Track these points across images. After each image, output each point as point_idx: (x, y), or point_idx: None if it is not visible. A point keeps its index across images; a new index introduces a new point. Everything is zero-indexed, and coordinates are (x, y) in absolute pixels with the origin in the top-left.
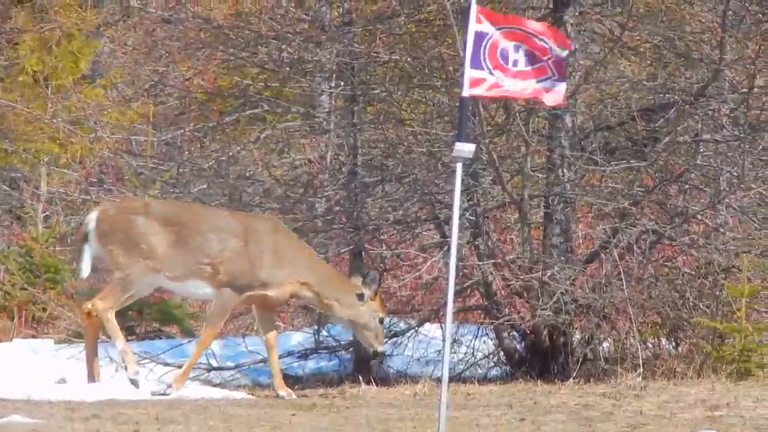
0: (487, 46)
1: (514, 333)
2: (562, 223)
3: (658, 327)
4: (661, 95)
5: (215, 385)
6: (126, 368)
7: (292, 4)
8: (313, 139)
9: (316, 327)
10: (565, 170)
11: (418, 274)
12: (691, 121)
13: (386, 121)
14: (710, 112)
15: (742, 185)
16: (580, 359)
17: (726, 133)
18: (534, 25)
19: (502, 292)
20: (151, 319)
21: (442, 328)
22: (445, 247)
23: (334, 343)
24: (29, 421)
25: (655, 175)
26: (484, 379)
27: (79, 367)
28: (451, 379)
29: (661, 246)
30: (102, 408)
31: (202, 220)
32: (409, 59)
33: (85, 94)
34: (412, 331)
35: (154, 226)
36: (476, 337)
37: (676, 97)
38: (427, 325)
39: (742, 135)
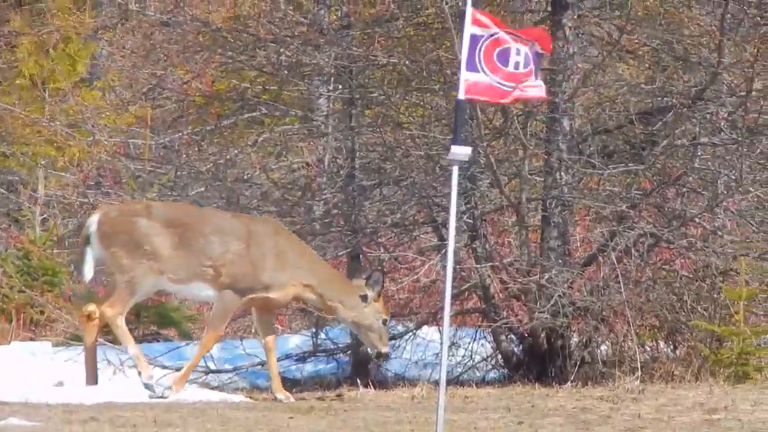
0: (483, 49)
1: (512, 336)
2: (559, 226)
3: (656, 330)
4: (659, 98)
5: (213, 388)
6: (140, 373)
7: (291, 8)
8: (311, 142)
9: (314, 330)
10: (562, 173)
11: (415, 277)
12: (689, 124)
13: (384, 125)
14: (708, 116)
15: (740, 188)
16: (578, 362)
17: (724, 137)
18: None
19: (500, 295)
20: (149, 322)
21: (439, 331)
22: (443, 250)
23: (332, 346)
24: (27, 423)
25: (653, 178)
26: (482, 382)
27: (77, 370)
28: (448, 382)
29: (659, 249)
30: (100, 411)
31: (204, 222)
32: (407, 62)
33: (82, 96)
34: (410, 334)
35: (157, 227)
36: (474, 340)
37: (674, 100)
38: (424, 328)
39: (740, 138)
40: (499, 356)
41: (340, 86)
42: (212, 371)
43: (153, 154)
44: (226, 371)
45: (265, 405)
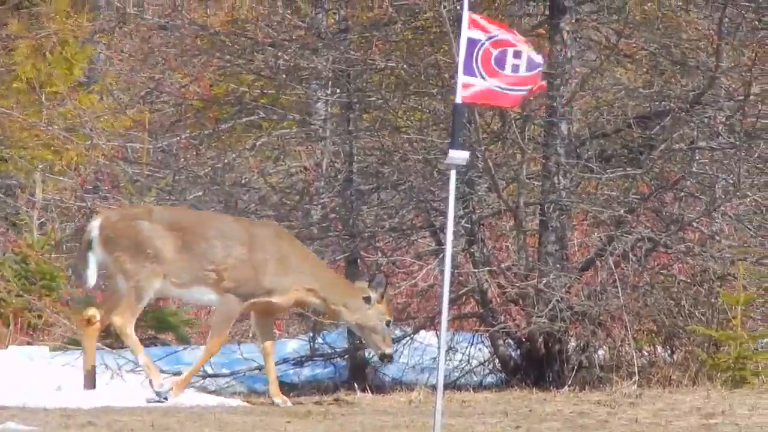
0: (481, 52)
1: (510, 340)
2: (557, 230)
3: (653, 335)
4: (657, 103)
5: (211, 392)
6: (151, 382)
7: (288, 12)
8: (309, 147)
9: (311, 334)
10: (560, 178)
11: (413, 281)
12: (686, 128)
13: (382, 129)
14: (706, 120)
15: (737, 193)
16: (576, 367)
17: (722, 141)
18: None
19: (498, 299)
20: (147, 326)
21: (437, 335)
22: (441, 255)
23: (329, 351)
24: (25, 428)
25: (651, 182)
26: (480, 387)
27: (74, 374)
28: (446, 387)
29: (656, 253)
30: (97, 415)
31: (206, 225)
32: (405, 66)
33: (79, 100)
34: (408, 338)
35: (159, 230)
36: (471, 344)
37: (672, 104)
38: (422, 332)
39: (737, 143)
40: (497, 361)
41: (338, 90)
42: (210, 375)
43: (151, 158)
44: (224, 375)
45: (262, 409)
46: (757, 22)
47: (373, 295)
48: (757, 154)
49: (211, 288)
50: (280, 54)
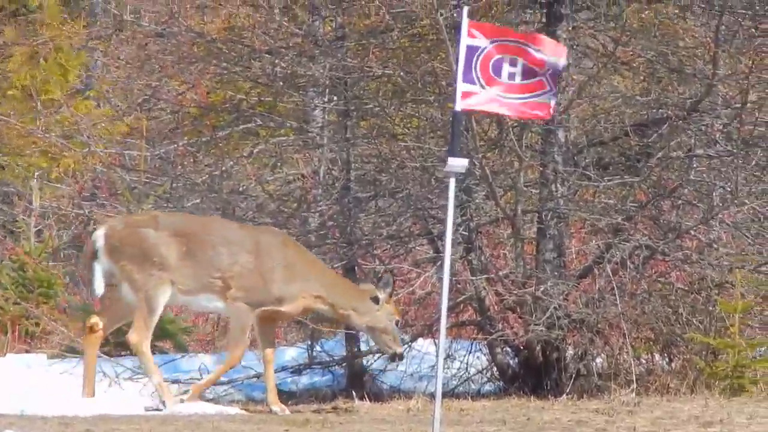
0: (479, 60)
1: (508, 348)
2: (555, 238)
3: (651, 342)
4: (655, 110)
5: (209, 401)
6: (163, 403)
7: (285, 19)
8: (307, 154)
9: (309, 342)
10: (558, 185)
11: (411, 289)
12: (684, 136)
13: (379, 136)
14: (703, 128)
15: (735, 200)
16: (574, 375)
17: (719, 149)
18: (529, 37)
19: (496, 307)
20: None
21: (435, 343)
22: (438, 262)
23: (327, 359)
24: None
25: (649, 190)
26: (478, 395)
27: (73, 382)
28: (444, 395)
29: (654, 261)
30: (95, 423)
31: (211, 232)
32: (402, 74)
33: (76, 107)
34: (406, 346)
35: (164, 237)
36: (469, 352)
37: (669, 112)
38: (420, 340)
39: (735, 150)
40: (495, 369)
41: (335, 98)
42: None
43: (148, 165)
44: (222, 383)
45: (260, 417)
46: (753, 30)
47: (382, 295)
48: (754, 162)
49: (218, 295)
50: (277, 61)
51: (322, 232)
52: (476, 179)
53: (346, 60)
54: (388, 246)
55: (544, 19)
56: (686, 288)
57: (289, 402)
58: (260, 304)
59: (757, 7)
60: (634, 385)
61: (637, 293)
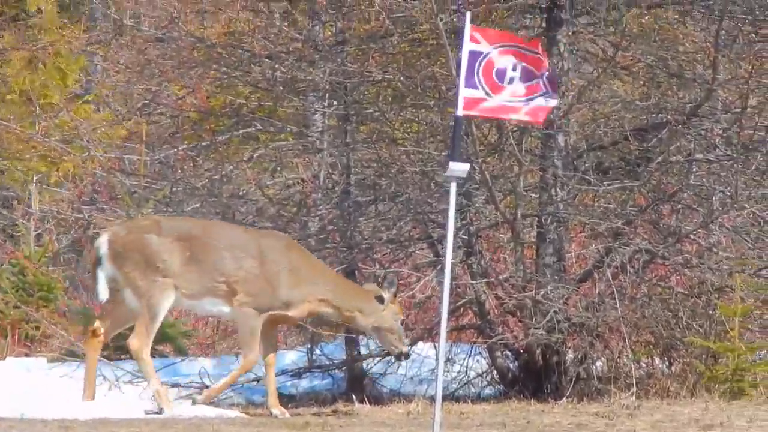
0: (482, 66)
1: (508, 352)
2: (555, 242)
3: (651, 346)
4: (654, 115)
5: (209, 404)
6: (161, 410)
7: (285, 24)
8: (306, 158)
9: (309, 346)
10: (558, 190)
11: (411, 293)
12: (684, 140)
13: (379, 141)
14: (703, 132)
15: (735, 205)
16: (574, 378)
17: (719, 153)
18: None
19: (495, 311)
20: None
21: (435, 347)
22: (438, 266)
23: (327, 362)
24: None
25: (648, 194)
26: (478, 398)
27: (72, 386)
28: (444, 398)
29: (654, 265)
30: (95, 426)
31: (215, 236)
32: (402, 78)
33: (75, 111)
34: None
35: (167, 243)
36: (469, 356)
37: (669, 116)
38: (420, 343)
39: (734, 155)
40: (495, 372)
41: (335, 102)
42: (208, 387)
43: (148, 169)
44: None
45: (260, 420)
46: (753, 35)
47: (386, 295)
48: (754, 167)
49: (222, 299)
50: (277, 66)
51: (322, 236)
52: (476, 183)
53: (346, 65)
54: (388, 250)
55: (544, 24)
56: (686, 292)
57: (289, 405)
58: (268, 308)
59: (757, 12)
60: (634, 389)
61: (637, 297)
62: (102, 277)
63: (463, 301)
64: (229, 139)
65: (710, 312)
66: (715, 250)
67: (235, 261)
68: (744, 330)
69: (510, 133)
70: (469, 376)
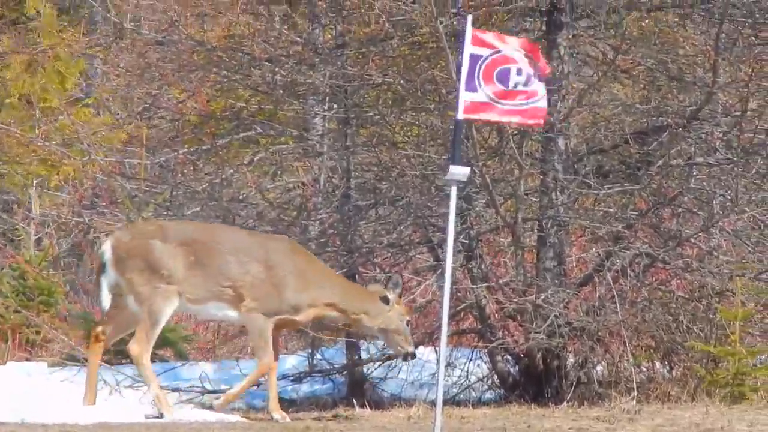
0: (482, 69)
1: (508, 356)
2: (555, 246)
3: (652, 350)
4: (655, 118)
5: (209, 408)
6: (162, 415)
7: (285, 27)
8: (307, 162)
9: (310, 350)
10: (558, 193)
11: (411, 297)
12: (684, 144)
13: (379, 144)
14: (703, 136)
15: (735, 208)
16: (574, 382)
17: (719, 157)
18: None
19: (496, 315)
20: None
21: (436, 351)
22: (439, 271)
23: (328, 367)
24: None
25: (649, 198)
26: (478, 403)
27: (73, 390)
28: (445, 403)
29: (654, 269)
30: (96, 431)
31: (219, 240)
32: (402, 82)
33: (75, 114)
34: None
35: (171, 248)
36: (470, 360)
37: (669, 120)
38: (421, 348)
39: (735, 158)
40: (495, 377)
41: (335, 105)
42: (209, 391)
43: (148, 173)
44: (223, 392)
45: (261, 425)
46: (753, 38)
47: (392, 296)
48: (754, 170)
49: (228, 304)
50: (277, 69)
51: (322, 240)
52: (476, 187)
53: (346, 68)
54: (389, 254)
55: (544, 27)
56: (687, 296)
57: (290, 410)
58: (276, 313)
59: (757, 16)
60: (635, 393)
61: (637, 301)
62: (105, 285)
63: (464, 305)
64: (229, 143)
65: (711, 316)
66: (715, 253)
67: (241, 265)
68: (745, 334)
69: (510, 137)
70: (469, 381)
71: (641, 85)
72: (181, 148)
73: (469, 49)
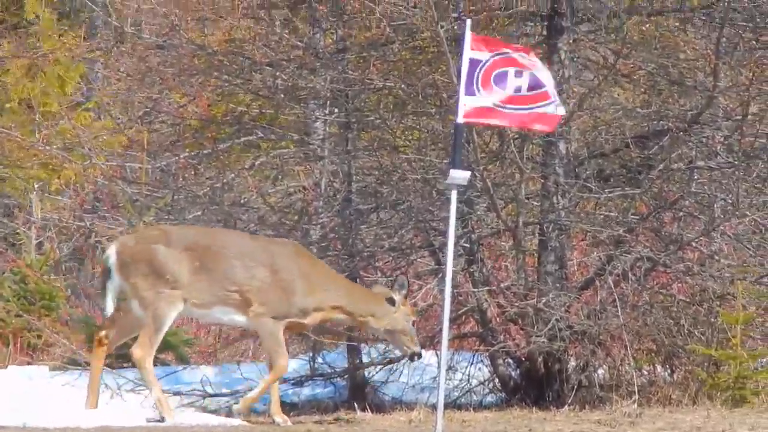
0: (482, 73)
1: (509, 360)
2: (556, 250)
3: (653, 354)
4: (655, 122)
5: (211, 412)
6: (163, 419)
7: (286, 32)
8: (308, 166)
9: (311, 354)
10: (559, 197)
11: (413, 301)
12: (685, 148)
13: (380, 148)
14: (704, 139)
15: (736, 212)
16: (575, 386)
17: (720, 161)
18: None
19: (497, 319)
20: None
21: (437, 354)
22: (440, 274)
23: (329, 370)
24: None
25: (650, 202)
26: (480, 406)
27: (74, 394)
28: (446, 406)
29: (655, 273)
30: None
31: (224, 245)
32: (403, 86)
33: (75, 118)
34: (407, 358)
35: (176, 254)
36: (471, 364)
37: (670, 124)
38: (422, 351)
39: (736, 162)
40: (497, 380)
41: (336, 110)
42: (210, 395)
43: (150, 177)
44: (224, 395)
45: (262, 429)
46: (754, 42)
47: (397, 297)
48: (755, 174)
49: (234, 308)
50: (278, 74)
51: (323, 244)
52: (477, 191)
53: (347, 72)
54: (390, 258)
55: (544, 32)
56: (688, 300)
57: (291, 413)
58: (285, 316)
59: (758, 20)
60: (636, 397)
61: (638, 305)
62: (111, 290)
63: (465, 309)
64: (230, 147)
65: (712, 320)
66: (716, 257)
67: (246, 270)
68: (746, 338)
69: (511, 141)
70: (470, 384)
71: (642, 89)
72: (182, 153)
73: (468, 53)
